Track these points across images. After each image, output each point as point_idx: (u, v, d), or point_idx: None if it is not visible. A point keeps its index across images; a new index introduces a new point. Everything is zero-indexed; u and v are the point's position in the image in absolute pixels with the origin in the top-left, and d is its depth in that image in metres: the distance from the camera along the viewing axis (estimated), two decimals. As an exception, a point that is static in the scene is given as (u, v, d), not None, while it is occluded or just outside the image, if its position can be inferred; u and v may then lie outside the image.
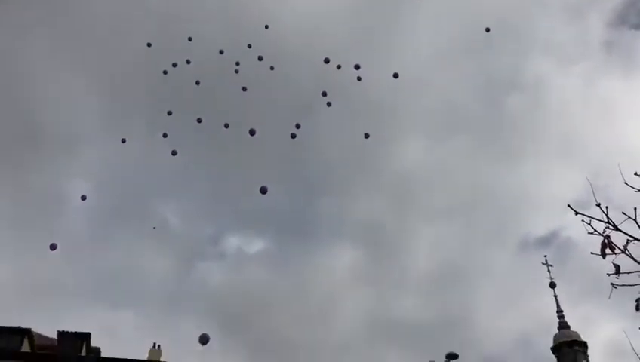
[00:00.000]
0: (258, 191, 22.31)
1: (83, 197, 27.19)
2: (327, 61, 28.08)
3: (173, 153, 26.34)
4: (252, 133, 24.75)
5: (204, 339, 16.32)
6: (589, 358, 45.89)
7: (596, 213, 4.45)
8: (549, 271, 49.29)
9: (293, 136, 26.10)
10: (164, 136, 26.67)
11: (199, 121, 27.35)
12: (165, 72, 27.80)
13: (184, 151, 27.63)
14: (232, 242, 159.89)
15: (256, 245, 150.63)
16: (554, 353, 46.47)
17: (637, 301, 4.16)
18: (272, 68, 28.99)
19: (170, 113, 27.17)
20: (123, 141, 27.32)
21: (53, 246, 21.71)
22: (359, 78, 27.48)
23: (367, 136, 27.85)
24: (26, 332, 33.96)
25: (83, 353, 34.20)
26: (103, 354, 35.23)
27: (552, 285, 48.98)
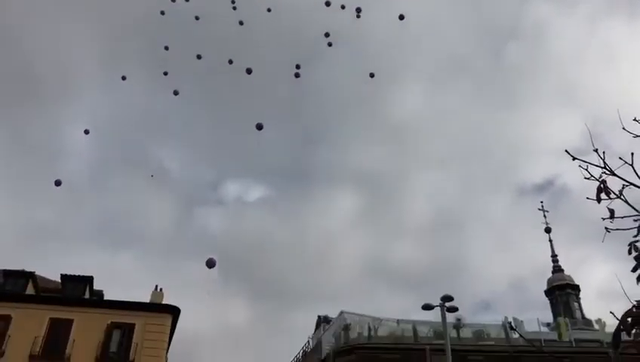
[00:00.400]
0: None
1: (86, 132, 26.98)
2: (327, 4, 27.48)
3: (175, 93, 26.09)
4: (249, 72, 24.54)
5: (210, 263, 16.65)
6: (581, 301, 47.02)
7: (594, 159, 4.47)
8: (544, 216, 49.87)
9: (297, 75, 25.79)
10: (165, 74, 26.35)
11: (199, 57, 27.01)
12: (162, 13, 27.26)
13: (184, 95, 27.35)
14: (232, 188, 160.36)
15: (255, 192, 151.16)
16: (547, 296, 47.55)
17: (630, 245, 4.23)
18: (269, 10, 28.38)
19: (167, 48, 26.79)
20: (123, 78, 26.98)
21: (57, 183, 21.77)
22: (359, 15, 27.01)
23: (372, 75, 27.54)
24: (30, 276, 34.59)
25: (86, 295, 34.91)
26: (106, 297, 35.99)
27: (548, 230, 49.66)
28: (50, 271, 37.76)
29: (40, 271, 36.18)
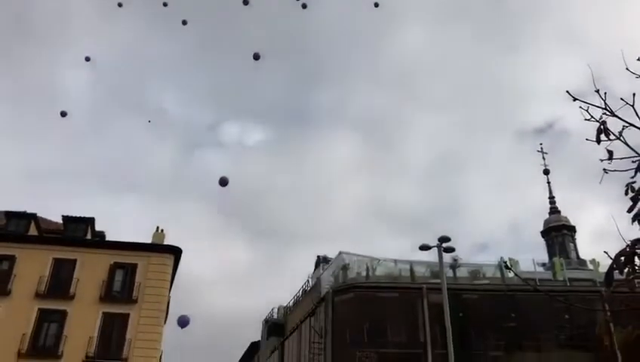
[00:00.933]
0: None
1: (87, 59, 26.43)
2: None
3: (184, 22, 25.50)
4: (245, 2, 23.85)
5: (223, 182, 16.78)
6: (577, 242, 47.75)
7: (595, 102, 4.41)
8: (543, 158, 49.96)
9: (304, 6, 25.07)
10: (165, 5, 25.68)
11: None
12: None
13: (182, 32, 26.74)
14: (231, 130, 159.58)
15: (255, 134, 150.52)
16: (543, 237, 48.23)
17: (627, 186, 4.24)
18: None
19: None
20: (119, 5, 26.24)
21: (63, 114, 21.57)
22: None
23: (376, 5, 26.82)
24: (32, 217, 34.94)
25: (88, 236, 35.36)
26: (108, 238, 36.48)
27: (546, 172, 49.85)
28: (52, 213, 38.07)
29: (41, 213, 36.56)
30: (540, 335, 34.37)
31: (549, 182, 49.82)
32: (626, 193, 4.19)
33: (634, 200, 4.12)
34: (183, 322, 19.09)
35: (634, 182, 4.17)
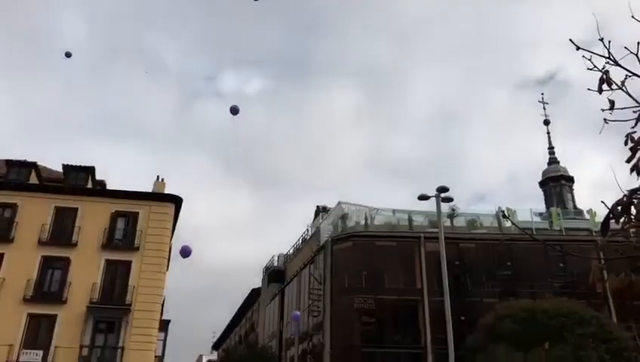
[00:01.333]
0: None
1: (67, 54, 25.91)
2: None
3: None
4: None
5: (234, 110, 16.78)
6: (574, 192, 48.04)
7: (599, 52, 4.37)
8: (544, 108, 49.73)
9: None
10: None
11: None
12: None
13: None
14: (231, 81, 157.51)
15: (254, 84, 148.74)
16: (541, 187, 48.50)
17: (627, 136, 4.25)
18: None
19: None
20: None
21: (68, 54, 21.22)
22: None
23: None
24: (32, 166, 34.99)
25: (89, 185, 35.51)
26: (108, 187, 36.63)
27: (546, 122, 49.71)
28: (51, 163, 38.06)
29: (43, 162, 36.59)
30: (535, 283, 35.11)
31: (548, 133, 49.76)
32: (626, 143, 4.20)
33: (633, 150, 4.14)
34: (185, 252, 19.42)
35: (634, 132, 4.18)
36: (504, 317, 27.20)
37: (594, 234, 34.42)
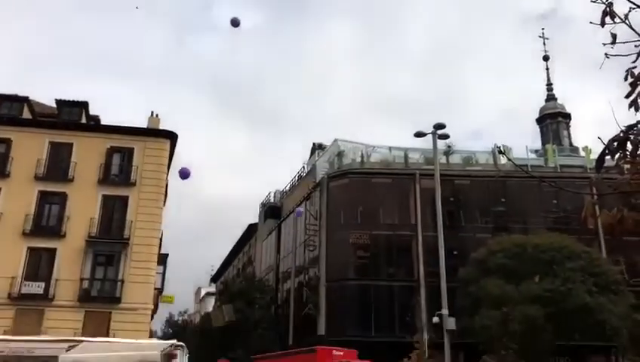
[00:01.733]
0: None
1: None
2: None
3: None
4: None
5: (235, 22, 16.59)
6: (571, 130, 47.96)
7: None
8: (544, 44, 48.81)
9: None
10: None
11: None
12: None
13: None
14: (225, 14, 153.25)
15: (250, 19, 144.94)
16: (538, 124, 48.33)
17: (627, 71, 4.18)
18: None
19: None
20: None
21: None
22: None
23: None
24: (25, 100, 34.53)
25: (83, 120, 35.21)
26: (103, 122, 36.34)
27: (545, 58, 48.96)
28: (43, 98, 37.46)
29: (36, 97, 36.05)
30: (528, 219, 35.65)
31: (547, 69, 49.10)
32: (626, 79, 4.13)
33: (633, 85, 4.08)
34: (184, 173, 19.56)
35: (635, 67, 4.10)
36: (496, 251, 27.80)
37: (588, 171, 34.63)
